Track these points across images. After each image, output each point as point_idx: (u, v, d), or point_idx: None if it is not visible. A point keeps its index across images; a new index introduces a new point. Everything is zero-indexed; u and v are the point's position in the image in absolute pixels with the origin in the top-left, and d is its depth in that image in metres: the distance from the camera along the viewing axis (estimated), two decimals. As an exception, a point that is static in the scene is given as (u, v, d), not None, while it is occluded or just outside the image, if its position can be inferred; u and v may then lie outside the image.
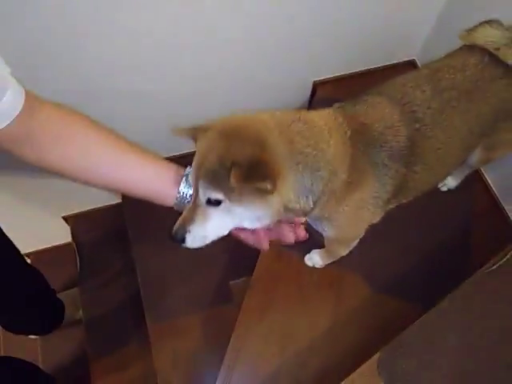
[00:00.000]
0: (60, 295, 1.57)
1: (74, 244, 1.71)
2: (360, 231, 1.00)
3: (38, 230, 1.72)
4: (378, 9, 1.36)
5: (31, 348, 1.61)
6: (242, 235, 0.77)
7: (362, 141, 0.81)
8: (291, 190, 0.74)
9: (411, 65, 1.60)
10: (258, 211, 0.71)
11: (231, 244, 1.37)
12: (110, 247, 1.67)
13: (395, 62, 1.60)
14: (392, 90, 0.90)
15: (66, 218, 1.73)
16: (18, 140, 0.66)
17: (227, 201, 0.70)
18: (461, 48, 0.95)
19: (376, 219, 0.96)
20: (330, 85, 1.49)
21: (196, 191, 0.72)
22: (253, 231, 0.76)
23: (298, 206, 0.76)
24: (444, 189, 1.35)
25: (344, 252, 1.11)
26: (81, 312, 1.61)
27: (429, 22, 1.50)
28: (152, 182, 0.75)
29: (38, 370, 1.36)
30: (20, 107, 0.63)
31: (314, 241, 1.15)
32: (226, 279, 1.37)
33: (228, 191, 0.69)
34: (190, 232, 0.72)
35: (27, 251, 1.76)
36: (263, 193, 0.69)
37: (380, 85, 0.92)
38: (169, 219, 1.42)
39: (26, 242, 1.73)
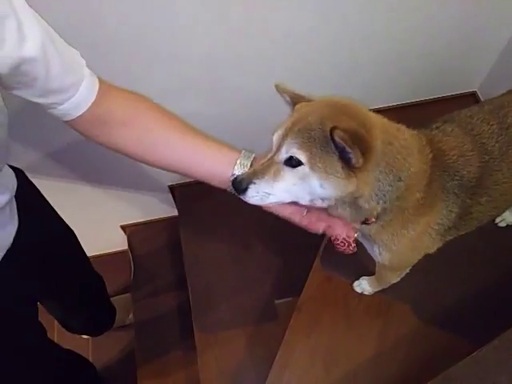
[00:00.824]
0: (113, 299, 1.65)
1: (130, 252, 1.79)
2: (415, 258, 0.99)
3: (97, 237, 1.81)
4: (442, 39, 1.38)
5: (83, 347, 1.69)
6: (297, 217, 0.78)
7: (438, 166, 0.83)
8: (369, 185, 0.74)
9: (472, 97, 1.60)
10: (329, 188, 0.71)
11: (279, 263, 1.43)
12: (164, 258, 1.73)
13: (456, 93, 1.59)
14: (460, 121, 0.91)
15: (123, 227, 1.83)
16: (88, 124, 0.73)
17: (307, 165, 0.70)
18: None
19: (433, 248, 0.96)
20: (391, 112, 1.50)
21: (277, 149, 0.73)
22: (306, 214, 0.77)
23: (366, 205, 0.76)
24: (502, 224, 1.32)
25: (394, 280, 1.11)
26: (131, 317, 1.68)
27: (492, 55, 1.50)
28: (208, 163, 0.78)
29: (95, 369, 1.43)
30: (94, 97, 0.72)
31: (364, 267, 1.16)
32: (272, 298, 1.39)
33: (313, 156, 0.69)
34: (255, 184, 0.72)
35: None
36: (345, 170, 0.69)
37: (446, 116, 0.93)
38: (221, 236, 1.49)
39: (85, 246, 1.83)
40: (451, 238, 0.96)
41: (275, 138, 0.74)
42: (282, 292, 1.39)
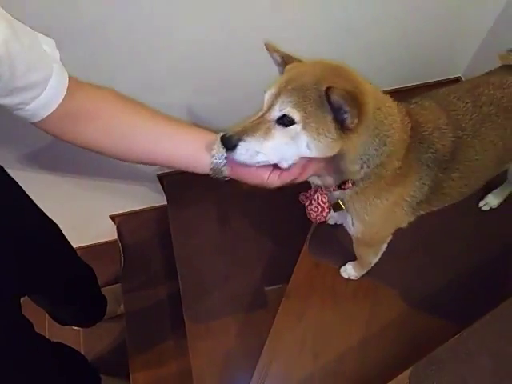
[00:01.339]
0: (103, 290, 1.64)
1: (119, 242, 1.79)
2: (388, 232, 1.01)
3: (86, 227, 1.81)
4: (424, 26, 1.38)
5: (74, 338, 1.70)
6: (265, 176, 0.75)
7: (415, 137, 0.84)
8: (356, 148, 0.75)
9: (457, 82, 1.60)
10: (319, 148, 0.71)
11: (268, 250, 1.44)
12: (154, 247, 1.73)
13: (441, 79, 1.60)
14: (437, 97, 0.93)
15: (112, 217, 1.82)
16: (56, 122, 0.71)
17: (300, 124, 0.70)
18: (501, 67, 0.98)
19: (405, 222, 0.98)
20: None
21: (268, 107, 0.72)
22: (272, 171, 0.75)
23: (350, 167, 0.77)
24: (486, 208, 1.34)
25: (373, 259, 1.13)
26: (122, 307, 1.68)
27: (475, 41, 1.51)
28: (185, 148, 0.76)
29: (86, 361, 1.44)
30: (63, 95, 0.69)
31: (351, 253, 1.18)
32: (263, 285, 1.40)
33: (307, 115, 0.69)
34: (244, 141, 0.71)
35: (75, 246, 1.86)
36: (337, 131, 0.70)
37: (425, 93, 0.95)
38: (210, 224, 1.49)
39: (74, 238, 1.83)
40: (423, 212, 0.98)
41: (267, 96, 0.73)
42: (273, 279, 1.40)
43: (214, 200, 1.55)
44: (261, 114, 0.73)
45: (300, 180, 0.78)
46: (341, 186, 0.82)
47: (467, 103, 0.90)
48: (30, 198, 1.08)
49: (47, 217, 1.15)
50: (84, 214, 1.73)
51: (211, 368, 1.28)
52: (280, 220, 1.50)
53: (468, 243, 1.30)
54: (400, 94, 0.86)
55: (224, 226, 1.52)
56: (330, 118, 0.69)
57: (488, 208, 1.34)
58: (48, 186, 1.48)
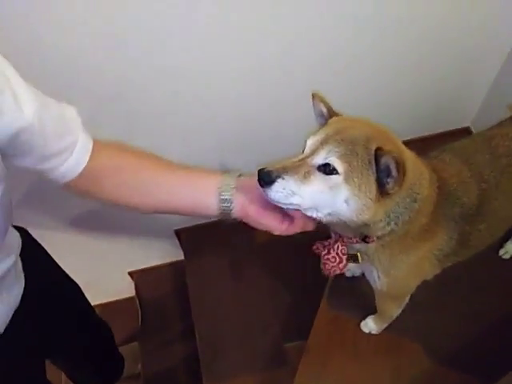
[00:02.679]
0: (121, 349, 1.63)
1: (137, 299, 1.79)
2: (413, 285, 0.99)
3: (104, 284, 1.81)
4: (432, 76, 1.43)
5: (91, 399, 1.66)
6: (276, 224, 0.75)
7: (441, 193, 0.84)
8: (386, 210, 0.74)
9: (466, 131, 1.63)
10: (353, 205, 0.70)
11: (288, 304, 1.42)
12: (172, 303, 1.73)
13: (450, 129, 1.63)
14: (455, 151, 0.94)
15: (131, 274, 1.83)
16: (81, 182, 0.75)
17: (343, 176, 0.69)
18: (510, 117, 1.00)
19: (431, 275, 0.97)
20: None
21: (312, 152, 0.71)
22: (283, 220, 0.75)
23: (378, 225, 0.76)
24: (506, 256, 1.31)
25: (395, 312, 1.10)
26: (140, 366, 1.66)
27: (482, 91, 1.55)
28: (191, 193, 0.77)
29: None
30: (88, 156, 0.73)
31: (371, 306, 1.16)
32: (282, 341, 1.38)
33: (352, 169, 0.68)
34: (283, 179, 0.69)
35: (92, 303, 1.86)
36: (377, 193, 0.69)
37: (441, 148, 0.96)
38: (228, 279, 1.49)
39: (92, 295, 1.83)
40: (449, 264, 0.96)
41: (311, 141, 0.73)
42: (292, 334, 1.37)
43: (231, 255, 1.56)
44: (302, 157, 0.72)
45: (308, 229, 0.78)
46: (364, 238, 0.81)
47: (485, 155, 0.90)
48: (54, 260, 1.11)
49: (69, 277, 1.17)
50: (102, 271, 1.75)
51: (231, 430, 1.24)
52: (297, 273, 1.49)
53: (492, 294, 1.26)
54: (410, 145, 0.87)
55: (241, 281, 1.51)
56: (373, 178, 0.69)
57: (509, 256, 1.31)
58: (66, 245, 1.51)
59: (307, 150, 0.73)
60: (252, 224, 0.77)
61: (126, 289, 1.84)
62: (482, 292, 1.27)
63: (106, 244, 1.62)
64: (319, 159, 0.70)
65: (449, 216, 0.85)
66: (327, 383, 1.18)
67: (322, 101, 0.79)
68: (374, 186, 0.69)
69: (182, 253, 1.71)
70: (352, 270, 1.24)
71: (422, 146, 0.95)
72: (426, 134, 1.61)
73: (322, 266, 0.87)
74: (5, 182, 0.66)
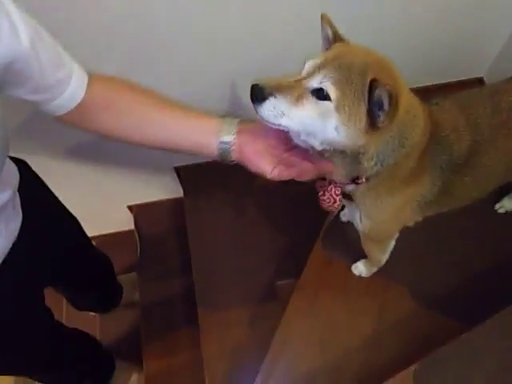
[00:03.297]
0: (120, 278, 1.69)
1: (136, 232, 1.83)
2: (395, 229, 1.02)
3: (104, 216, 1.84)
4: (448, 24, 1.37)
5: (91, 323, 1.74)
6: (268, 168, 0.75)
7: (433, 139, 0.84)
8: (377, 145, 0.74)
9: (479, 82, 1.59)
10: (343, 134, 0.69)
11: (282, 244, 1.46)
12: (171, 239, 1.76)
13: (463, 78, 1.59)
14: (458, 100, 0.92)
15: (130, 207, 1.86)
16: (75, 114, 0.75)
17: (334, 103, 0.68)
18: None
19: (412, 221, 0.99)
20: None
21: (308, 75, 0.70)
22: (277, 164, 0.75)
23: (365, 163, 0.76)
24: (501, 211, 1.33)
25: (381, 256, 1.14)
26: (137, 295, 1.72)
27: (499, 41, 1.48)
28: (193, 134, 0.78)
29: (101, 346, 1.49)
30: (84, 89, 0.73)
31: (362, 252, 1.19)
32: (275, 279, 1.42)
33: (344, 97, 0.67)
34: (275, 98, 0.68)
35: (92, 234, 1.90)
36: (366, 124, 0.69)
37: (445, 95, 0.94)
38: (226, 218, 1.51)
39: (92, 226, 1.87)
40: (431, 213, 0.98)
41: (309, 64, 0.72)
42: (285, 273, 1.42)
43: (230, 193, 1.57)
44: (298, 78, 0.71)
45: (299, 180, 0.78)
46: (355, 180, 0.82)
47: (486, 108, 0.89)
48: (53, 194, 1.12)
49: (68, 210, 1.19)
50: (102, 204, 1.77)
51: (222, 357, 1.31)
52: (294, 215, 1.51)
53: (482, 245, 1.30)
54: (422, 93, 0.86)
55: (239, 219, 1.54)
56: (364, 108, 0.68)
57: (504, 211, 1.33)
58: (66, 176, 1.51)
59: (304, 73, 0.72)
60: (246, 165, 0.78)
61: (125, 222, 1.87)
62: (472, 242, 1.30)
63: (105, 177, 1.63)
64: (314, 82, 0.69)
65: (436, 162, 0.86)
66: (315, 319, 1.23)
67: (329, 24, 0.77)
68: (364, 117, 0.69)
69: (181, 190, 1.72)
70: (347, 215, 1.26)
71: (432, 94, 0.93)
72: (438, 81, 1.57)
73: (320, 205, 0.89)
74: (0, 111, 0.66)
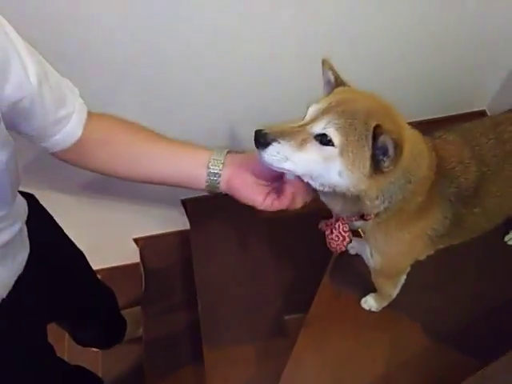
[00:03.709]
0: (123, 312, 1.66)
1: (142, 265, 1.81)
2: (406, 264, 1.00)
3: (109, 249, 1.84)
4: (449, 58, 1.40)
5: (93, 359, 1.71)
6: (259, 199, 0.75)
7: (439, 172, 0.84)
8: (380, 188, 0.74)
9: (482, 115, 1.61)
10: (346, 179, 0.70)
11: (288, 279, 1.44)
12: (176, 273, 1.75)
13: (466, 111, 1.61)
14: (461, 132, 0.93)
15: (136, 240, 1.85)
16: (73, 151, 0.75)
17: (338, 148, 0.69)
18: None
19: (424, 255, 0.98)
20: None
21: (311, 120, 0.71)
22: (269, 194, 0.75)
23: (369, 203, 0.75)
24: (511, 242, 1.32)
25: (392, 291, 1.12)
26: (141, 330, 1.69)
27: (501, 75, 1.51)
28: (182, 166, 0.78)
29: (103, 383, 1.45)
30: (83, 127, 0.74)
31: (371, 285, 1.17)
32: (282, 314, 1.40)
33: (348, 143, 0.68)
34: (279, 143, 0.69)
35: (97, 267, 1.89)
36: (370, 169, 0.69)
37: (449, 127, 0.95)
38: (232, 252, 1.50)
39: (97, 259, 1.86)
40: (443, 246, 0.97)
41: (312, 109, 0.73)
42: (293, 308, 1.39)
43: (236, 227, 1.57)
44: (302, 123, 0.72)
45: (293, 208, 0.78)
46: (363, 216, 0.82)
47: (490, 139, 0.89)
48: (60, 227, 1.12)
49: (74, 244, 1.19)
50: (108, 236, 1.77)
51: (228, 396, 1.27)
52: (301, 248, 1.50)
53: (494, 277, 1.27)
54: (424, 126, 0.87)
55: (245, 253, 1.53)
56: (368, 154, 0.69)
57: (514, 243, 1.31)
58: (73, 209, 1.53)
59: (307, 118, 0.73)
60: (236, 197, 0.78)
61: (131, 255, 1.86)
62: (483, 276, 1.28)
63: (111, 209, 1.63)
64: (317, 128, 0.70)
65: (444, 195, 0.85)
66: (325, 356, 1.20)
67: (331, 68, 0.78)
68: (368, 162, 0.69)
69: (188, 222, 1.72)
70: (356, 248, 1.25)
71: (435, 127, 0.94)
72: (442, 115, 1.59)
73: (328, 245, 0.88)
74: (10, 146, 0.66)
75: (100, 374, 1.65)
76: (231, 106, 1.35)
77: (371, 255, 0.94)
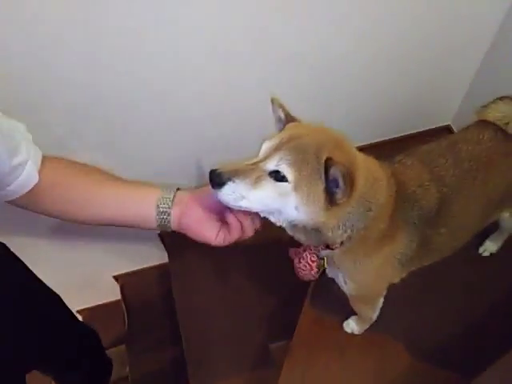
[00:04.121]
0: (109, 352, 1.63)
1: (123, 303, 1.79)
2: (381, 289, 1.01)
3: (89, 289, 1.82)
4: (411, 76, 1.44)
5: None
6: (213, 237, 0.76)
7: (399, 197, 0.85)
8: (338, 218, 0.75)
9: (446, 130, 1.65)
10: (303, 213, 0.71)
11: (273, 306, 1.43)
12: (159, 307, 1.73)
13: (430, 127, 1.65)
14: (419, 155, 0.94)
15: (116, 278, 1.83)
16: (27, 197, 0.74)
17: (292, 184, 0.70)
18: (477, 122, 1.00)
19: (397, 278, 0.98)
20: (366, 151, 1.55)
21: (265, 157, 0.72)
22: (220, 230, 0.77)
23: (329, 233, 0.76)
24: (486, 254, 1.34)
25: (372, 314, 1.12)
26: (127, 369, 1.66)
27: (463, 88, 1.55)
28: (132, 206, 0.78)
29: None
30: (37, 177, 0.73)
31: (352, 308, 1.17)
32: (267, 342, 1.38)
33: (301, 178, 0.69)
34: (233, 183, 0.69)
35: (78, 308, 1.86)
36: (325, 202, 0.70)
37: (407, 151, 0.97)
38: (213, 282, 1.49)
39: (78, 299, 1.83)
40: (414, 268, 0.98)
41: (266, 146, 0.74)
42: (277, 335, 1.38)
43: (215, 257, 1.55)
44: (255, 161, 0.73)
45: (245, 237, 0.79)
46: (328, 246, 0.82)
47: (448, 160, 0.91)
48: (34, 274, 1.10)
49: (49, 289, 1.17)
50: (87, 276, 1.75)
51: (218, 432, 1.25)
52: (283, 273, 1.47)
53: (471, 291, 1.29)
54: (388, 146, 0.88)
55: (226, 283, 1.51)
56: (322, 187, 0.70)
57: (488, 254, 1.34)
58: (49, 252, 1.51)
59: (261, 155, 0.74)
60: (189, 235, 0.79)
61: (111, 292, 1.84)
62: (462, 289, 1.29)
63: (89, 249, 1.61)
64: (271, 165, 0.71)
65: (408, 219, 0.86)
66: (311, 381, 1.19)
67: (281, 106, 0.80)
68: (322, 195, 0.71)
69: (166, 255, 1.70)
70: (330, 274, 1.25)
71: (400, 146, 0.96)
72: (406, 133, 1.62)
73: (296, 274, 0.89)
74: None
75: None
76: (187, 144, 1.36)
77: (345, 282, 0.95)
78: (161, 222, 0.78)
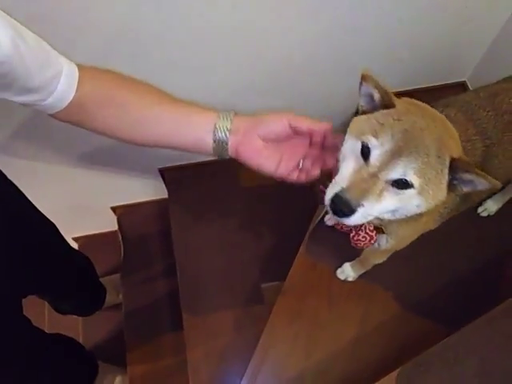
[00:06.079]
0: (102, 280, 1.66)
1: (120, 234, 1.81)
2: (413, 239, 1.00)
3: (87, 217, 1.83)
4: (431, 29, 1.38)
5: (73, 326, 1.72)
6: (273, 165, 0.75)
7: None
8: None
9: (461, 86, 1.61)
10: (425, 207, 0.69)
11: (268, 247, 1.46)
12: (154, 241, 1.75)
13: (445, 82, 1.60)
14: (460, 106, 0.90)
15: (113, 209, 1.83)
16: (70, 112, 0.73)
17: (418, 189, 0.67)
18: None
19: (432, 228, 0.98)
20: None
21: (383, 164, 0.66)
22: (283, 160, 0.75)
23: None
24: (484, 214, 1.35)
25: (379, 261, 1.13)
26: (121, 296, 1.70)
27: (483, 45, 1.50)
28: (189, 130, 0.76)
29: (84, 349, 1.46)
30: (75, 85, 0.71)
31: (348, 254, 1.19)
32: (259, 282, 1.42)
33: (426, 182, 0.66)
34: (364, 207, 0.65)
35: (75, 235, 1.88)
36: (446, 191, 0.69)
37: (443, 100, 0.93)
38: (211, 221, 1.50)
39: (75, 227, 1.85)
40: (447, 219, 0.97)
41: (381, 152, 0.67)
42: (270, 276, 1.42)
43: (215, 196, 1.57)
44: (373, 171, 0.67)
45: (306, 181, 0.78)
46: None
47: (488, 112, 0.88)
48: (29, 200, 1.09)
49: (44, 216, 1.16)
50: (85, 205, 1.75)
51: (207, 362, 1.30)
52: (279, 218, 1.51)
53: (465, 249, 1.31)
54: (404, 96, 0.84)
55: (224, 221, 1.53)
56: (445, 184, 0.68)
57: (486, 214, 1.35)
58: (48, 177, 1.50)
59: (375, 162, 0.67)
60: (248, 165, 0.77)
61: (109, 223, 1.85)
62: (456, 246, 1.32)
63: (88, 177, 1.60)
64: (394, 175, 0.66)
65: None
66: (300, 323, 1.23)
67: (376, 86, 0.71)
68: (445, 190, 0.69)
69: (166, 191, 1.71)
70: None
71: (416, 98, 0.92)
72: (420, 86, 1.58)
73: (354, 245, 0.87)
74: None
75: (81, 341, 1.67)
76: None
77: (386, 241, 0.92)
78: (218, 149, 0.76)
